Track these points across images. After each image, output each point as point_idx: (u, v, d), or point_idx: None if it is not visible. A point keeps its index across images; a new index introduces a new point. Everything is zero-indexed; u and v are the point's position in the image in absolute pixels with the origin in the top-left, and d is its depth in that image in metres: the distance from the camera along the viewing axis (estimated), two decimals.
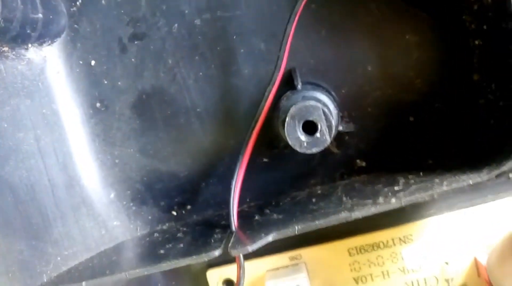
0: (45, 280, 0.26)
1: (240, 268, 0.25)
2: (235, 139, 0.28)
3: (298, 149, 0.22)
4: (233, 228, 0.26)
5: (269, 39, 0.27)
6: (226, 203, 0.27)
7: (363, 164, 0.27)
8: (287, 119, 0.22)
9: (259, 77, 0.27)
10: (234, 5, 0.27)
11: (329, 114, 0.22)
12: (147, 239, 0.29)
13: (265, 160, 0.28)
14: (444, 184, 0.22)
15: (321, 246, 0.29)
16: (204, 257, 0.23)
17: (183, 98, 0.28)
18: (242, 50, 0.27)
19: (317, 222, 0.22)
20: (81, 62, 0.29)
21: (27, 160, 0.26)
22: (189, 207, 0.30)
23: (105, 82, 0.29)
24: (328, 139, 0.22)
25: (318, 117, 0.22)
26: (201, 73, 0.28)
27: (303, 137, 0.22)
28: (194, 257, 0.23)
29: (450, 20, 0.26)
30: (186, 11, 0.28)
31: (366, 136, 0.27)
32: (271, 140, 0.27)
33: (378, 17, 0.27)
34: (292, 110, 0.22)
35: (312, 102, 0.22)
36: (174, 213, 0.30)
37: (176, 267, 0.23)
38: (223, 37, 0.28)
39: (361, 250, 0.29)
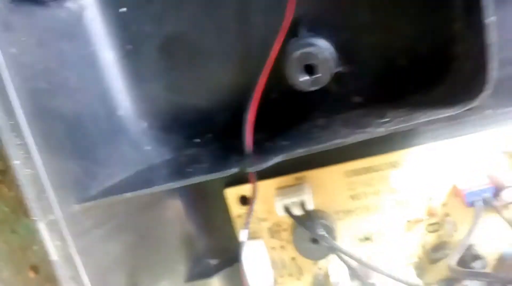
0: (93, 193, 0.31)
1: (254, 183, 0.30)
2: (248, 78, 0.32)
3: (299, 88, 0.26)
4: (248, 151, 0.30)
5: None
6: (242, 132, 0.32)
7: (359, 100, 0.31)
8: (291, 63, 0.26)
9: (268, 25, 0.31)
10: None
11: (326, 58, 0.26)
12: (175, 161, 0.34)
13: (274, 96, 0.33)
14: (423, 117, 0.26)
15: (322, 169, 0.34)
16: (225, 174, 0.27)
17: (202, 42, 0.32)
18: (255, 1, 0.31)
19: (316, 146, 0.27)
20: (113, 9, 0.32)
21: (73, 95, 0.31)
22: (210, 135, 0.35)
23: (134, 27, 0.33)
24: (324, 79, 0.26)
25: (316, 61, 0.25)
26: (219, 21, 0.32)
27: (304, 78, 0.26)
28: (217, 173, 0.28)
29: None
30: None
31: (362, 76, 0.31)
32: (280, 79, 0.31)
33: None
34: (295, 55, 0.26)
35: (312, 49, 0.26)
36: (198, 140, 0.35)
37: (201, 181, 0.28)
38: None
39: (356, 173, 0.34)
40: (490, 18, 0.22)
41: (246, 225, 0.31)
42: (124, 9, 0.32)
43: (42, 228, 0.29)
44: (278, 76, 0.30)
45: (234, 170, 0.28)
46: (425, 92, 0.29)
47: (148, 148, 0.35)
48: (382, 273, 0.29)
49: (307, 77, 0.26)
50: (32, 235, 0.43)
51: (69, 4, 0.31)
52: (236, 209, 0.36)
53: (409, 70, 0.30)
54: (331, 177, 0.34)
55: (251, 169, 0.28)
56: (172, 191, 0.37)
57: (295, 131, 0.32)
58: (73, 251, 0.29)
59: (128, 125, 0.34)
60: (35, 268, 0.44)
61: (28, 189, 0.28)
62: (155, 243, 0.36)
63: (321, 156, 0.33)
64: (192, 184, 0.29)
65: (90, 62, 0.32)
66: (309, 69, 0.26)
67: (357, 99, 0.31)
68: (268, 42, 0.31)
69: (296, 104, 0.32)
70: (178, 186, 0.28)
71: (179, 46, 0.33)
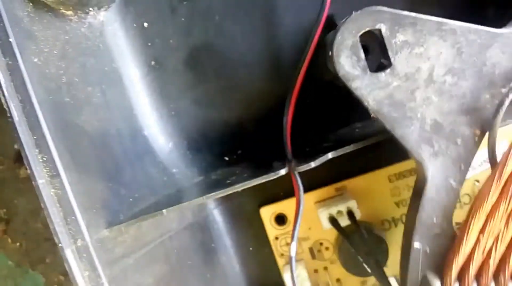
0: (122, 219, 0.28)
1: (298, 188, 0.27)
2: (280, 85, 0.31)
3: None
4: (289, 155, 0.28)
5: None
6: (275, 143, 0.30)
7: None
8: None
9: (299, 26, 0.30)
10: None
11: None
12: (207, 180, 0.32)
13: (309, 100, 0.31)
14: None
15: (363, 176, 0.32)
16: (273, 176, 0.25)
17: (231, 51, 0.31)
18: (283, 2, 0.30)
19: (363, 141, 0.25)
20: (134, 24, 0.31)
21: (97, 111, 0.29)
22: (239, 151, 0.33)
23: (158, 41, 0.31)
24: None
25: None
26: (246, 27, 0.31)
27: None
28: (264, 176, 0.25)
29: None
30: None
31: None
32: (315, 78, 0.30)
33: None
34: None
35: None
36: (226, 158, 0.33)
37: (245, 187, 0.25)
38: None
39: (400, 176, 0.32)
40: None
41: (292, 244, 0.28)
42: (146, 24, 0.31)
43: (69, 256, 0.25)
44: (312, 76, 0.30)
45: (282, 172, 0.26)
46: None
47: (175, 170, 0.32)
48: None
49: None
50: None
51: (90, 19, 0.30)
52: (272, 230, 0.33)
53: None
54: (373, 183, 0.32)
55: (301, 169, 0.26)
56: (201, 217, 0.34)
57: (334, 135, 0.31)
58: (105, 281, 0.26)
59: (154, 146, 0.32)
60: None
61: (53, 211, 0.25)
62: (186, 274, 0.32)
63: (360, 161, 0.32)
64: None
65: (113, 79, 0.31)
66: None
67: None
68: (299, 44, 0.30)
69: (332, 107, 0.31)
70: (218, 196, 0.26)
71: (206, 58, 0.31)
